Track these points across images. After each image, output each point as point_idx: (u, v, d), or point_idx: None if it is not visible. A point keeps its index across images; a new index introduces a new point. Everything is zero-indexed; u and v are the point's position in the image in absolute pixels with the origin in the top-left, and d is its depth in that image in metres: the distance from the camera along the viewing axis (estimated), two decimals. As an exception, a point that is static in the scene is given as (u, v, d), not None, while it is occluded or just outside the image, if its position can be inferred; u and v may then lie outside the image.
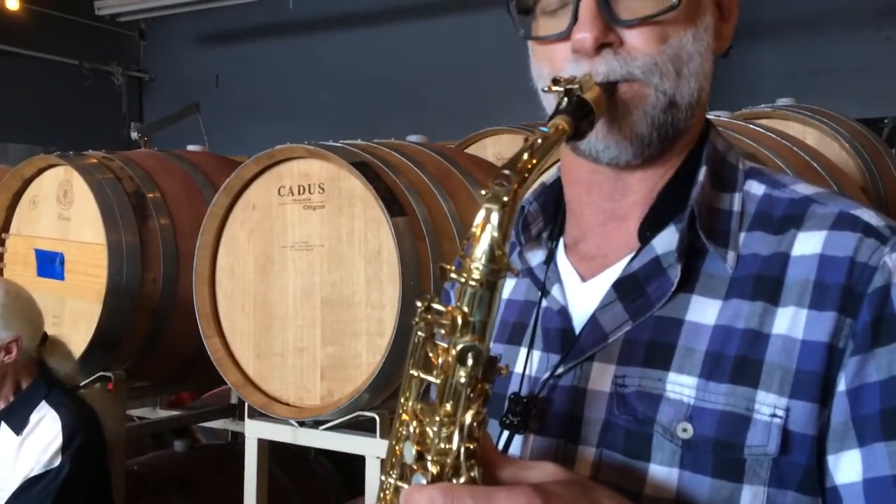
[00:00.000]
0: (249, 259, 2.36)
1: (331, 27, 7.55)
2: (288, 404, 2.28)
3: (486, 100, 6.44)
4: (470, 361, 0.62)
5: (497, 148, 3.32)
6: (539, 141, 0.66)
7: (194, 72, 8.41)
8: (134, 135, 4.37)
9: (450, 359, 0.63)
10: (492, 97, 6.19)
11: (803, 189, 0.78)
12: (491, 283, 0.62)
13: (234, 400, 3.17)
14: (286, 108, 7.81)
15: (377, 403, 2.17)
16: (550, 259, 0.83)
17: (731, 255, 0.74)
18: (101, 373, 2.63)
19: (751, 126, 1.84)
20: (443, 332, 0.64)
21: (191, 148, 3.18)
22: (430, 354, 0.66)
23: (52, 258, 2.67)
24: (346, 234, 2.19)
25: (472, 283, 0.62)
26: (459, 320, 0.62)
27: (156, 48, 8.84)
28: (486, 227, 0.62)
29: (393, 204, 2.09)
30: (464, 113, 6.55)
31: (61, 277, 2.66)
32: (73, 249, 2.66)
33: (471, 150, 3.38)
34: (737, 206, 0.77)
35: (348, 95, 7.42)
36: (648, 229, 0.77)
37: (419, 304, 0.65)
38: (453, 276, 0.63)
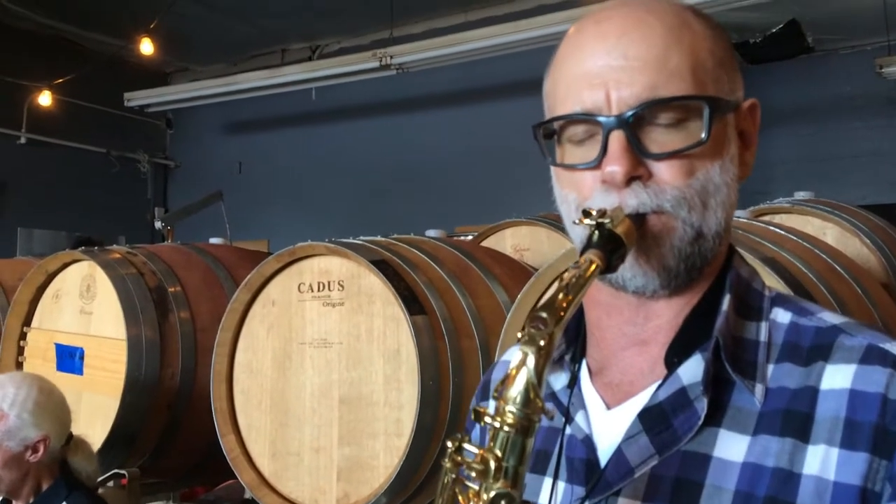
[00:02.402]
0: (268, 355, 2.35)
1: (351, 117, 7.74)
2: (303, 507, 2.23)
3: (505, 188, 6.52)
4: None
5: (516, 239, 3.35)
6: (574, 280, 0.66)
7: (218, 159, 8.61)
8: (158, 224, 4.45)
9: None
10: (510, 185, 6.27)
11: (830, 318, 0.76)
12: (525, 428, 0.61)
13: (248, 494, 3.10)
14: (307, 194, 7.94)
15: (395, 507, 2.12)
16: (573, 383, 0.82)
17: (759, 388, 0.72)
18: (116, 470, 2.60)
19: (770, 228, 1.84)
20: (473, 474, 0.62)
21: (213, 240, 3.22)
22: (460, 497, 0.64)
23: (72, 353, 2.68)
24: (364, 331, 2.19)
25: (507, 427, 0.61)
26: (492, 465, 0.61)
27: (182, 136, 9.10)
28: (521, 370, 0.62)
29: (412, 302, 2.09)
30: (483, 201, 6.62)
31: (80, 372, 2.66)
32: (92, 344, 2.67)
33: (490, 242, 3.40)
34: (763, 336, 0.76)
35: (368, 183, 7.55)
36: (675, 356, 0.75)
37: (450, 444, 0.64)
38: (487, 419, 0.62)
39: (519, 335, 0.63)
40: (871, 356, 0.70)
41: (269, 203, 8.06)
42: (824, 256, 1.79)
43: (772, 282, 1.46)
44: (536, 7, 6.38)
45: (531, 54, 5.55)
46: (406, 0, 6.57)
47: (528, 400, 0.61)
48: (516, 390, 0.61)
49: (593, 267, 0.67)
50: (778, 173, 6.24)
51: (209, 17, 7.07)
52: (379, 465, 2.11)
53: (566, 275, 0.66)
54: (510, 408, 0.61)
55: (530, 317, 0.63)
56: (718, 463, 0.71)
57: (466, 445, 0.63)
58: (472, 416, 0.64)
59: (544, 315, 0.63)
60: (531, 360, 0.62)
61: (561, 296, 0.64)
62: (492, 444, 0.62)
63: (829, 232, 2.52)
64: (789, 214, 2.57)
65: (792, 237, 1.80)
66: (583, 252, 0.69)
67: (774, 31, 6.27)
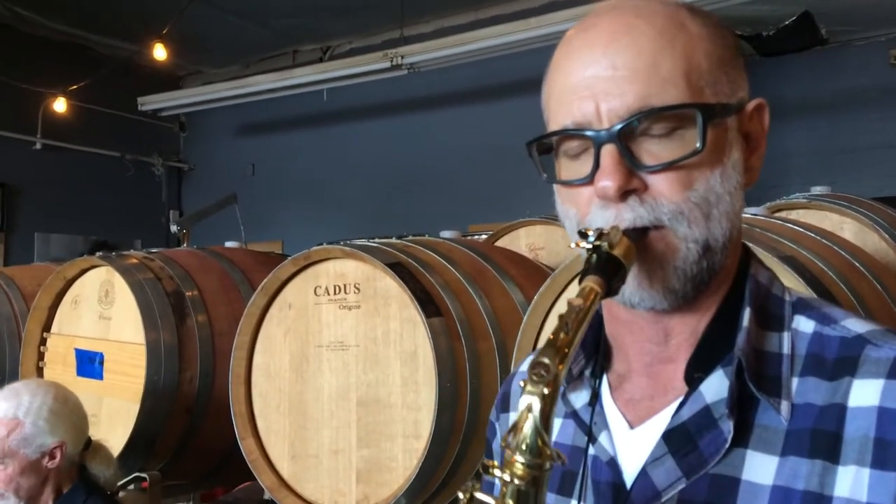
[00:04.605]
0: (285, 358, 2.36)
1: (363, 117, 7.75)
2: (323, 509, 2.24)
3: (518, 187, 6.49)
4: None
5: (531, 239, 3.34)
6: (573, 315, 0.64)
7: (231, 161, 8.64)
8: (174, 227, 4.48)
9: None
10: (524, 184, 6.25)
11: (854, 326, 0.74)
12: (535, 479, 0.60)
13: (267, 496, 3.12)
14: (320, 194, 7.96)
15: (414, 509, 2.12)
16: (595, 399, 0.80)
17: (784, 406, 0.70)
18: (137, 473, 2.62)
19: (788, 225, 1.83)
20: None
21: (229, 244, 3.24)
22: None
23: (91, 358, 2.70)
24: (381, 334, 2.19)
25: (517, 480, 0.60)
26: None
27: (195, 139, 9.14)
28: (528, 418, 0.61)
29: (428, 304, 2.10)
30: (496, 200, 6.61)
31: (100, 377, 2.68)
32: (112, 349, 2.69)
33: (504, 241, 3.40)
34: (786, 349, 0.73)
35: (381, 183, 7.55)
36: (696, 371, 0.74)
37: (461, 494, 0.63)
38: (496, 472, 0.61)
39: (521, 383, 0.62)
40: None
41: (283, 204, 8.08)
42: (843, 253, 1.77)
43: (791, 281, 1.45)
44: (547, 4, 6.36)
45: (542, 51, 5.52)
46: (416, -1, 6.57)
47: (536, 449, 0.60)
48: (524, 440, 0.60)
49: (593, 296, 0.66)
50: (792, 167, 6.19)
51: (221, 19, 7.10)
52: (398, 467, 2.11)
53: (565, 309, 0.65)
54: (518, 458, 0.60)
55: (532, 363, 0.62)
56: (748, 486, 0.69)
57: (478, 495, 0.63)
58: (481, 469, 0.63)
59: (546, 361, 0.61)
60: (536, 407, 0.60)
61: (563, 334, 0.63)
62: (503, 494, 0.61)
63: (847, 227, 2.49)
64: (806, 210, 2.55)
65: (810, 234, 1.79)
66: (582, 278, 0.68)
67: (787, 23, 6.22)
